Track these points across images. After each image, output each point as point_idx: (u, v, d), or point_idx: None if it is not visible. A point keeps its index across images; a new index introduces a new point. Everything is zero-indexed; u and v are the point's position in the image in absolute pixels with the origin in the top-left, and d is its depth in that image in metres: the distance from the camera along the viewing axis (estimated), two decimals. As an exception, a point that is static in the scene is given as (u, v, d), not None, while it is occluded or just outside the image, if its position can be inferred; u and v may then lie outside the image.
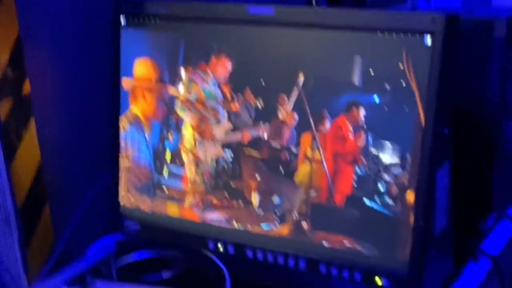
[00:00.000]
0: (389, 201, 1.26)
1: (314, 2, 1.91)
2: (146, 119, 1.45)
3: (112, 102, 1.50)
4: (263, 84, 1.35)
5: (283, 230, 1.36)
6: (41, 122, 1.54)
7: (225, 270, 1.39)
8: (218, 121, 1.39)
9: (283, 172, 1.36)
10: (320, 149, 1.32)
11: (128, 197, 1.49)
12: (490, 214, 1.58)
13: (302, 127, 1.33)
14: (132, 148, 1.47)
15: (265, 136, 1.36)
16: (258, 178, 1.38)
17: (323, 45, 1.30)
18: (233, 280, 1.39)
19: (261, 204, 1.38)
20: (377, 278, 1.28)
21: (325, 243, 1.32)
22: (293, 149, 1.34)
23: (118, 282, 1.41)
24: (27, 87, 1.51)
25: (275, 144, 1.35)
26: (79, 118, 1.60)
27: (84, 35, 1.58)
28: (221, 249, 1.42)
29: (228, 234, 1.41)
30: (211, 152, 1.40)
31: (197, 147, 1.41)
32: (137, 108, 1.46)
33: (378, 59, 1.26)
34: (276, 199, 1.36)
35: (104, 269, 1.46)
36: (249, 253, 1.39)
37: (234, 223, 1.40)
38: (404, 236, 1.26)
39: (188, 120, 1.42)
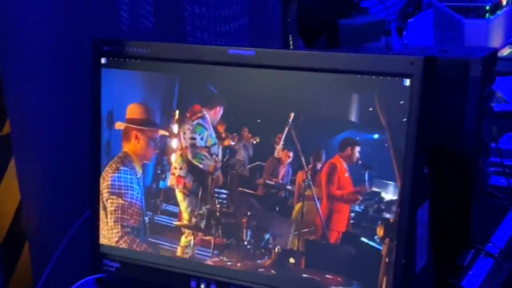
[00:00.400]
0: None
1: (291, 43, 1.95)
2: (139, 159, 1.47)
3: (92, 141, 1.51)
4: (258, 123, 1.38)
5: (272, 266, 1.38)
6: (21, 162, 1.55)
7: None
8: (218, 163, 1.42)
9: (277, 209, 1.38)
10: (313, 187, 1.34)
11: (110, 235, 1.50)
12: (468, 250, 1.61)
13: (297, 165, 1.35)
14: (123, 188, 1.48)
15: (260, 173, 1.38)
16: (251, 215, 1.39)
17: (305, 86, 1.33)
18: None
19: (251, 241, 1.39)
20: (359, 317, 1.31)
21: (312, 281, 1.34)
22: (288, 187, 1.36)
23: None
24: (7, 127, 1.52)
25: (270, 181, 1.37)
26: (59, 157, 1.61)
27: (65, 74, 1.60)
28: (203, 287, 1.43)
29: (215, 272, 1.42)
30: (207, 191, 1.42)
31: (200, 188, 1.43)
32: (130, 148, 1.47)
33: (358, 101, 1.29)
34: (267, 236, 1.38)
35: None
36: (233, 292, 1.41)
37: (224, 259, 1.41)
38: (387, 274, 1.28)
39: (201, 166, 1.44)
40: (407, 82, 1.26)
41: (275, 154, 1.37)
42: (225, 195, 1.42)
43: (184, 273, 1.45)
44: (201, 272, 1.43)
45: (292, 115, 1.34)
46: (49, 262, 1.53)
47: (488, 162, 1.70)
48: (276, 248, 1.38)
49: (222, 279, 1.42)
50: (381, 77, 1.28)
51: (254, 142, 1.38)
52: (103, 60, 1.50)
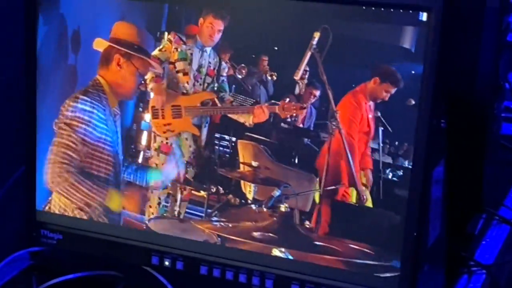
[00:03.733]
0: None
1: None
2: (115, 93, 1.39)
3: (27, 82, 1.44)
4: (275, 50, 1.31)
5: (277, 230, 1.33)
6: None
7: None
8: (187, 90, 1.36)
9: (296, 161, 1.32)
10: (343, 132, 1.28)
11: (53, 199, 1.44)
12: (480, 215, 1.61)
13: (322, 103, 1.30)
14: (90, 125, 1.41)
15: (275, 116, 1.32)
16: (259, 167, 1.34)
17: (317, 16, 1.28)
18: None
19: (257, 199, 1.35)
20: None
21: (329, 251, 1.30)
22: (312, 133, 1.31)
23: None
24: None
25: (288, 125, 1.31)
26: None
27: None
28: (168, 265, 1.39)
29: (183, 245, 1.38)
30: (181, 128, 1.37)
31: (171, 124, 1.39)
32: (106, 75, 1.39)
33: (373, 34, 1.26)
34: (277, 193, 1.34)
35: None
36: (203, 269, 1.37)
37: (218, 221, 1.37)
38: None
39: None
40: (424, 16, 1.22)
41: (296, 91, 1.31)
42: (227, 142, 1.37)
43: (146, 247, 1.41)
44: (168, 246, 1.39)
45: (317, 36, 1.27)
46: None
47: (502, 107, 1.69)
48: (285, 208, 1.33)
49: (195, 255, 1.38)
50: (392, 10, 1.24)
51: (273, 77, 1.31)
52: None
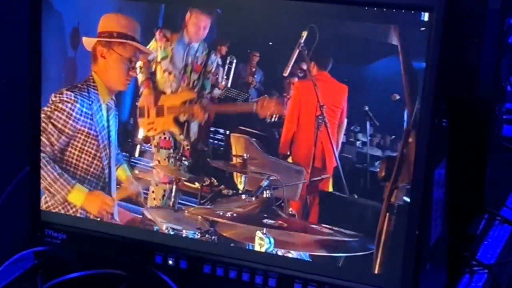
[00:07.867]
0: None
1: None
2: (108, 85, 1.41)
3: (31, 75, 1.44)
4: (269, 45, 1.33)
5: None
6: None
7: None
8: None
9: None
10: (328, 125, 1.31)
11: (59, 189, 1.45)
12: (482, 215, 1.61)
13: None
14: (81, 122, 1.42)
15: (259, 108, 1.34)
16: (250, 159, 1.36)
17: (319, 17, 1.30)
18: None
19: (247, 190, 1.38)
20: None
21: (307, 255, 1.32)
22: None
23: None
24: None
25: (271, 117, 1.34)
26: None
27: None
28: (171, 264, 1.40)
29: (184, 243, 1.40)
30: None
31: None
32: (97, 70, 1.41)
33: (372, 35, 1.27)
34: (265, 183, 1.36)
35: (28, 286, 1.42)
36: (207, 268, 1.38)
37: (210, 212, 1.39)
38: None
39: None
40: (426, 16, 1.23)
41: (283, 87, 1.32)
42: (221, 135, 1.38)
43: (150, 246, 1.42)
44: (172, 245, 1.41)
45: (305, 34, 1.29)
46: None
47: (503, 109, 1.70)
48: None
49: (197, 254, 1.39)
50: (394, 10, 1.25)
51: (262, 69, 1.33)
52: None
